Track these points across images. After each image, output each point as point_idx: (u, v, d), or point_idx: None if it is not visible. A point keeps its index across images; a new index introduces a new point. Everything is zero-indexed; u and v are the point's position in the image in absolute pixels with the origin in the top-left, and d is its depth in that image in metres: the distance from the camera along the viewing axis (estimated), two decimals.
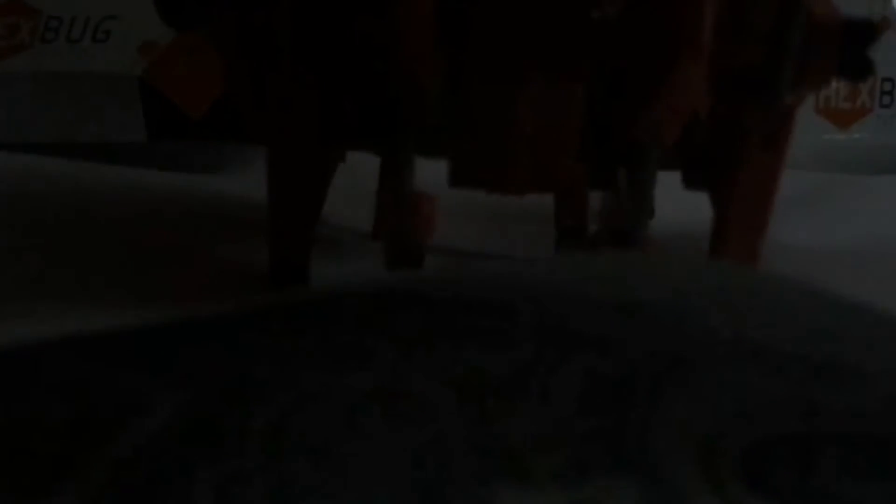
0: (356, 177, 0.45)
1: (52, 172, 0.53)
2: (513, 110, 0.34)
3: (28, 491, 0.17)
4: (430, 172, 0.38)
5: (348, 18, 0.34)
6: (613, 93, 0.34)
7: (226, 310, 0.22)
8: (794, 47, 0.34)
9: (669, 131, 0.33)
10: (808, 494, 0.17)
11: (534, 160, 0.35)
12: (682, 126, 0.33)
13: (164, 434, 0.18)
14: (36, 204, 0.50)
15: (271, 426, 0.18)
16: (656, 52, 0.32)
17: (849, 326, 0.23)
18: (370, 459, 0.17)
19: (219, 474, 0.17)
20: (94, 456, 0.17)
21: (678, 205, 0.41)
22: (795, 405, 0.19)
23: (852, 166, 0.58)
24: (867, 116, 0.59)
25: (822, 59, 0.35)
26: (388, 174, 0.33)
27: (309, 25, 0.34)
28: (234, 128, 0.48)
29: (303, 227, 0.38)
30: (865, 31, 0.35)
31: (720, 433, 0.18)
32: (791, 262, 0.45)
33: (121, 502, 0.16)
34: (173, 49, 0.55)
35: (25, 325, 0.37)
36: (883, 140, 0.59)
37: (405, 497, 0.17)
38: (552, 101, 0.34)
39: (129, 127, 0.56)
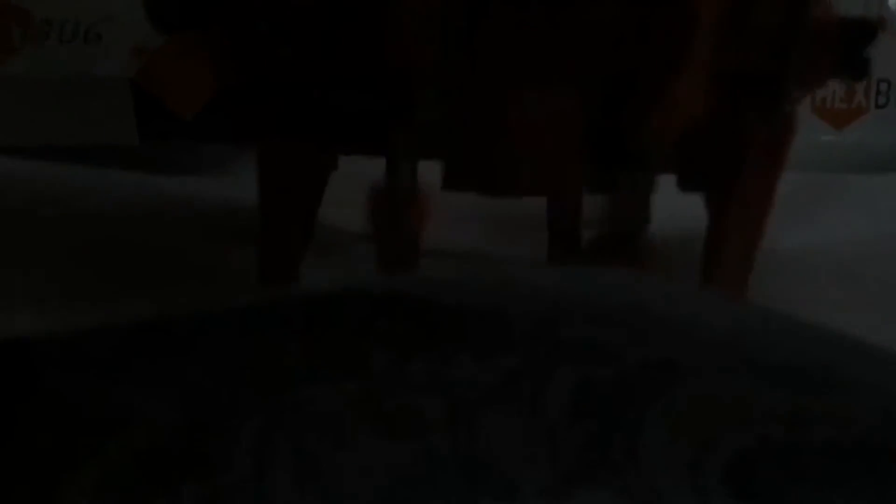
0: (350, 180, 0.45)
1: (44, 176, 0.53)
2: (505, 115, 0.34)
3: (24, 499, 0.17)
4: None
5: (346, 15, 0.34)
6: (616, 98, 0.34)
7: (214, 310, 0.21)
8: (800, 49, 0.34)
9: (670, 136, 0.33)
10: None
11: (526, 164, 0.35)
12: (680, 131, 0.33)
13: (153, 447, 0.18)
14: (27, 208, 0.50)
15: (258, 440, 0.18)
16: (658, 62, 0.32)
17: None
18: (356, 473, 0.17)
19: (206, 488, 0.17)
20: (83, 469, 0.17)
21: (675, 210, 0.41)
22: (783, 413, 0.19)
23: (848, 166, 0.58)
24: (863, 117, 0.59)
25: (821, 60, 0.35)
26: (388, 172, 0.34)
27: (304, 23, 0.34)
28: (225, 130, 0.48)
29: (293, 232, 0.38)
30: (864, 31, 0.35)
31: (708, 442, 0.18)
32: (785, 262, 0.45)
33: None
34: (164, 51, 0.55)
35: (20, 326, 0.37)
36: (878, 140, 0.59)
37: None
38: (547, 106, 0.34)
39: (121, 130, 0.56)
